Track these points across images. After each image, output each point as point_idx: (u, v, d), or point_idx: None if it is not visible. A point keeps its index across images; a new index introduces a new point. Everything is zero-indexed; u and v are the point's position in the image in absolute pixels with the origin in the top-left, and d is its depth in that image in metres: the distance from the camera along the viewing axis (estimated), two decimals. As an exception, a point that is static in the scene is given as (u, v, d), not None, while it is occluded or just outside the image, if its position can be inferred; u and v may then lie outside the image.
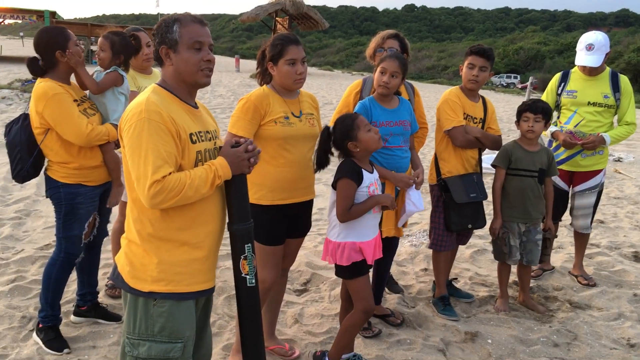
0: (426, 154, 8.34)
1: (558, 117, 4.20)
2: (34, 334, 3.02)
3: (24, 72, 15.56)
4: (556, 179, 4.02)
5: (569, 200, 4.21)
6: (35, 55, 2.84)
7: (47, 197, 2.95)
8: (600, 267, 4.53)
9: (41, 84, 2.75)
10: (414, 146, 3.37)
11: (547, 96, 4.20)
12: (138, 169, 1.74)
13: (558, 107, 4.18)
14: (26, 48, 40.07)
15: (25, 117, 2.84)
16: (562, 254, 4.82)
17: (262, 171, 2.61)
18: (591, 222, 4.20)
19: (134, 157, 1.74)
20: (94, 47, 24.51)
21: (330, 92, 19.34)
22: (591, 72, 3.99)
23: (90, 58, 23.29)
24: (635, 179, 8.33)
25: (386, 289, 3.77)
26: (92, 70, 3.01)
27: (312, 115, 2.78)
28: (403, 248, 4.79)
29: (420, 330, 3.39)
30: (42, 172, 2.96)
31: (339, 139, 2.63)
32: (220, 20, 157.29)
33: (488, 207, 4.07)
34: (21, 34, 62.22)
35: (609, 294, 4.00)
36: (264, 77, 2.74)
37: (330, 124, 2.76)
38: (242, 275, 1.98)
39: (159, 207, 1.78)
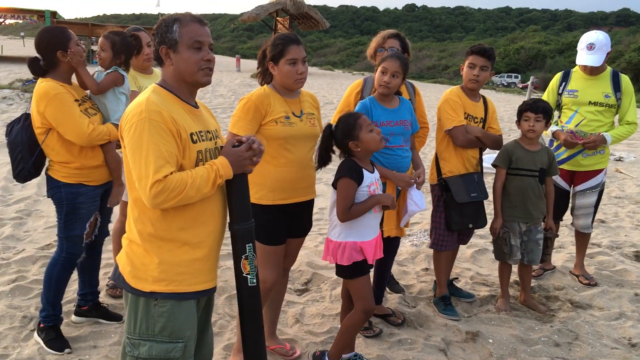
0: (427, 153, 8.34)
1: (559, 117, 4.19)
2: (35, 334, 3.03)
3: (25, 72, 15.56)
4: (557, 179, 4.02)
5: (570, 200, 4.21)
6: (37, 55, 2.84)
7: (48, 197, 2.96)
8: (601, 267, 4.53)
9: (42, 84, 2.75)
10: (415, 146, 3.37)
11: (548, 96, 4.20)
12: (139, 169, 1.73)
13: (559, 106, 4.18)
14: (27, 48, 40.15)
15: (26, 117, 2.85)
16: (563, 253, 4.81)
17: (263, 171, 2.61)
18: (592, 221, 4.19)
19: (135, 157, 1.74)
20: (94, 47, 24.51)
21: (331, 92, 19.33)
22: (592, 71, 3.99)
23: (91, 58, 23.27)
24: (636, 179, 8.31)
25: (387, 289, 3.77)
26: (93, 70, 3.01)
27: (313, 115, 2.78)
28: (404, 248, 4.79)
29: (421, 330, 3.39)
30: (43, 172, 2.96)
31: (340, 138, 2.63)
32: (220, 20, 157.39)
33: (489, 207, 4.06)
34: (22, 34, 62.17)
35: (610, 294, 4.00)
36: (264, 76, 2.74)
37: (333, 123, 2.76)
38: (243, 275, 1.98)
39: (161, 207, 1.77)
